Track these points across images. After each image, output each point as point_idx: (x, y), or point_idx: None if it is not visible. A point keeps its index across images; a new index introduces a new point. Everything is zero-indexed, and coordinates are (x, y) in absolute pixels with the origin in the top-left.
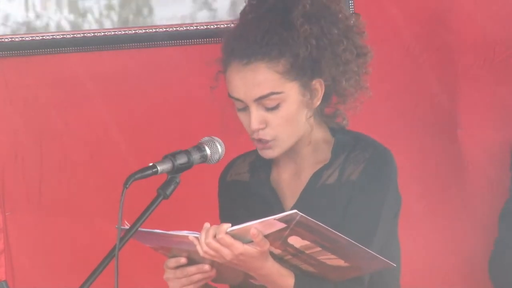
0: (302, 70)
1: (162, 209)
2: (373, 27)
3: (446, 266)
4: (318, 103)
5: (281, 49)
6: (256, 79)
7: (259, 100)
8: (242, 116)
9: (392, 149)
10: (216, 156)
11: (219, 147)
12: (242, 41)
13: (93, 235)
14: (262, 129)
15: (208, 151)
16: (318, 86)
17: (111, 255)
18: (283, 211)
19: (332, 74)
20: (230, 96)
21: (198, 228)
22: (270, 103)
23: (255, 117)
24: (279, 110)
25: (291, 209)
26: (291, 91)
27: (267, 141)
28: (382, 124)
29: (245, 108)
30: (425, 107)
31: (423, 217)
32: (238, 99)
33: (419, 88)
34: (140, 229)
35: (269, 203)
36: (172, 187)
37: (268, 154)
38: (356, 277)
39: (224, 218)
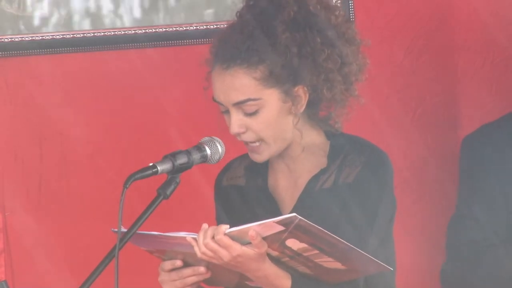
0: (282, 77)
1: (162, 209)
2: (373, 27)
3: None
4: (302, 109)
5: (260, 55)
6: (234, 84)
7: (237, 105)
8: (226, 118)
9: (392, 150)
10: (217, 156)
11: (219, 147)
12: (225, 45)
13: (93, 235)
14: (243, 133)
15: (208, 151)
16: (301, 92)
17: (111, 255)
18: (281, 216)
19: (312, 83)
20: (213, 99)
21: (197, 228)
22: (248, 108)
23: (235, 121)
24: (257, 116)
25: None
26: (270, 97)
27: (253, 143)
28: (382, 124)
29: (228, 111)
30: (425, 107)
31: (423, 218)
32: (219, 103)
33: (419, 88)
34: (137, 231)
35: (267, 208)
36: (172, 187)
37: (256, 158)
38: (351, 280)
39: (220, 222)
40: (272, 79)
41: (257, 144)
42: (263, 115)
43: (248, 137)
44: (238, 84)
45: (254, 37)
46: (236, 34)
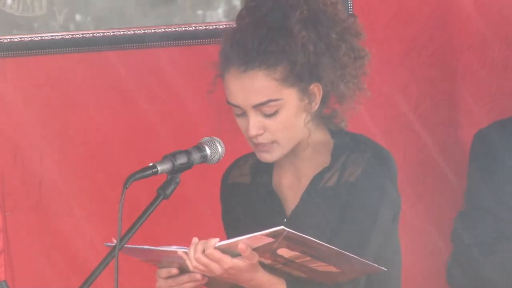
0: (300, 76)
1: (162, 209)
2: (373, 27)
3: (446, 266)
4: (316, 107)
5: (278, 56)
6: (254, 87)
7: (257, 107)
8: (240, 121)
9: (392, 149)
10: (216, 156)
11: (219, 147)
12: (239, 48)
13: (93, 235)
14: (261, 134)
15: (208, 151)
16: (316, 90)
17: (111, 255)
18: (285, 214)
19: (330, 79)
20: (228, 102)
21: (197, 227)
22: (268, 109)
23: (254, 123)
24: (277, 116)
25: (293, 212)
26: (289, 97)
27: (265, 144)
28: (382, 124)
29: (243, 114)
30: (425, 107)
31: (423, 217)
32: (236, 106)
33: (419, 88)
34: (127, 246)
35: (270, 206)
36: (172, 187)
37: (266, 158)
38: (351, 279)
39: (226, 220)
40: (291, 78)
41: (270, 145)
42: (282, 115)
43: (264, 138)
44: (258, 86)
45: (270, 38)
46: (250, 36)
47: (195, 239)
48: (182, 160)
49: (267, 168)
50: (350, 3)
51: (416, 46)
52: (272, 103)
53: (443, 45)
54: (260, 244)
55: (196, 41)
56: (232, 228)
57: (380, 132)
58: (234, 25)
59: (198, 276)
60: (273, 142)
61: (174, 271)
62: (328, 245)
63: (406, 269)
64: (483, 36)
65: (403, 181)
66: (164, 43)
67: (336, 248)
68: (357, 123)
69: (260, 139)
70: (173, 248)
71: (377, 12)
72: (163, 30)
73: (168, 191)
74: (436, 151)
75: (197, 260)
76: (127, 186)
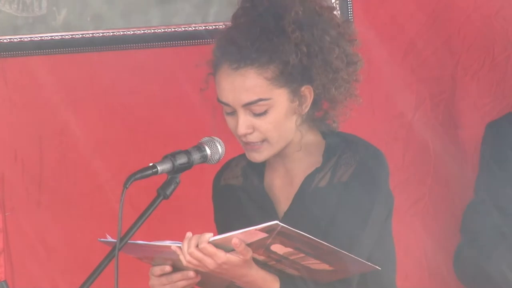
0: (292, 77)
1: (162, 209)
2: (373, 28)
3: (446, 266)
4: (307, 109)
5: (271, 55)
6: (245, 85)
7: (247, 105)
8: (229, 120)
9: (392, 149)
10: (216, 156)
11: (219, 147)
12: (232, 46)
13: (93, 235)
14: (250, 133)
15: (208, 151)
16: (307, 92)
17: (111, 255)
18: (277, 215)
19: (322, 82)
20: (218, 100)
21: (196, 228)
22: (258, 109)
23: (243, 122)
24: (266, 116)
25: (285, 213)
26: (280, 97)
27: (255, 143)
28: (382, 124)
29: (233, 113)
30: (425, 107)
31: (423, 217)
32: (226, 104)
33: (419, 88)
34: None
35: (262, 207)
36: (172, 187)
37: (255, 157)
38: (343, 279)
39: (218, 222)
40: (283, 78)
41: (260, 144)
42: (272, 115)
43: (254, 137)
44: (249, 84)
45: (263, 37)
46: (243, 35)
47: (188, 234)
48: (182, 160)
49: (259, 170)
50: (350, 4)
51: (416, 46)
52: (261, 102)
53: (443, 45)
54: (254, 239)
55: (196, 41)
56: (225, 230)
57: (380, 132)
58: (229, 25)
59: (191, 273)
60: (263, 140)
61: (168, 268)
62: (322, 242)
63: (406, 269)
64: (483, 36)
65: (403, 181)
66: (164, 43)
67: (330, 245)
68: (356, 123)
69: (250, 138)
70: (166, 243)
71: (377, 13)
72: (163, 30)
73: (168, 191)
74: (436, 151)
75: (190, 254)
76: (127, 186)
